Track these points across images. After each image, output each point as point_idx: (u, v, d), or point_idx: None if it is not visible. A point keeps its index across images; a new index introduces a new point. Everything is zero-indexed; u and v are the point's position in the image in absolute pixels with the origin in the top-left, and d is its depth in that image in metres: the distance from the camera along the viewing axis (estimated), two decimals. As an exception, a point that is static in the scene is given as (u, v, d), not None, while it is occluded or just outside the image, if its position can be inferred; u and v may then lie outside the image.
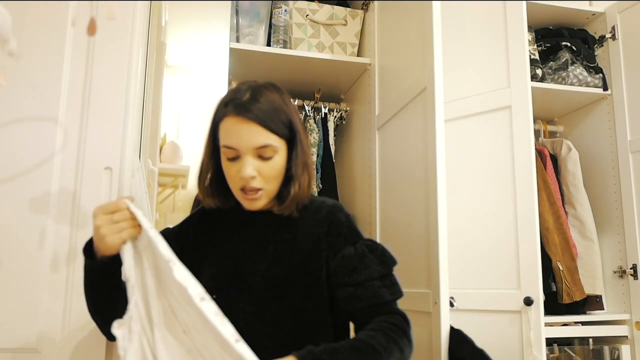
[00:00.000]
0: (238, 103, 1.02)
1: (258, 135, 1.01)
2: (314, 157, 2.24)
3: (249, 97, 1.03)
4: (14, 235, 1.14)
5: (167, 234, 1.12)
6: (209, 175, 1.10)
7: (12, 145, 1.18)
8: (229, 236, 1.12)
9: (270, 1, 2.18)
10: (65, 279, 1.14)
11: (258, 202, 1.06)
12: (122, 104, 1.23)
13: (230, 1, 2.07)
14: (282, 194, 1.07)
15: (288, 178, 1.06)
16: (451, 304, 1.45)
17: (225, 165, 1.05)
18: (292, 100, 1.12)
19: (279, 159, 1.04)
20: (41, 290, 1.13)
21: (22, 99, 1.20)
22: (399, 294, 1.04)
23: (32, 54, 1.21)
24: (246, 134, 1.01)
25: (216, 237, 1.12)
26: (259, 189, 1.04)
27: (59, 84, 1.21)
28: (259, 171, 1.03)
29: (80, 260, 1.14)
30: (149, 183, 1.66)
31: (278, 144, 1.03)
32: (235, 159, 1.03)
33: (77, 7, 1.21)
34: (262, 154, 1.02)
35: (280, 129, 1.03)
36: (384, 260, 1.04)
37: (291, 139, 1.06)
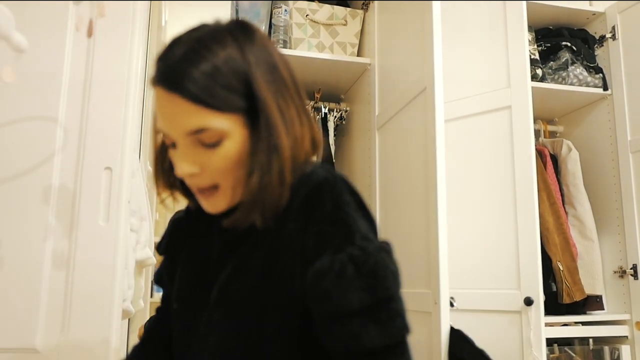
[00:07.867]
0: (165, 66, 0.70)
1: (189, 116, 0.68)
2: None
3: (181, 58, 0.69)
4: (14, 236, 1.14)
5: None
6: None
7: (12, 144, 1.18)
8: (200, 238, 0.86)
9: (270, 1, 2.18)
10: (65, 279, 1.15)
11: (217, 203, 0.75)
12: (122, 104, 1.23)
13: (230, 1, 2.06)
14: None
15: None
16: (451, 304, 1.45)
17: (170, 153, 0.76)
18: (277, 53, 0.76)
19: (233, 144, 0.71)
20: (41, 291, 1.13)
21: (23, 99, 1.20)
22: (395, 334, 0.65)
23: (32, 54, 1.21)
24: (172, 114, 0.69)
25: (191, 240, 0.87)
26: (213, 186, 0.74)
27: (60, 83, 1.21)
28: (203, 164, 0.71)
29: (79, 261, 1.14)
30: (148, 183, 1.66)
31: (226, 123, 0.70)
32: (174, 145, 0.73)
33: (79, 11, 1.21)
34: (201, 140, 0.70)
35: (226, 100, 0.69)
36: (373, 282, 0.64)
37: (251, 110, 0.71)
